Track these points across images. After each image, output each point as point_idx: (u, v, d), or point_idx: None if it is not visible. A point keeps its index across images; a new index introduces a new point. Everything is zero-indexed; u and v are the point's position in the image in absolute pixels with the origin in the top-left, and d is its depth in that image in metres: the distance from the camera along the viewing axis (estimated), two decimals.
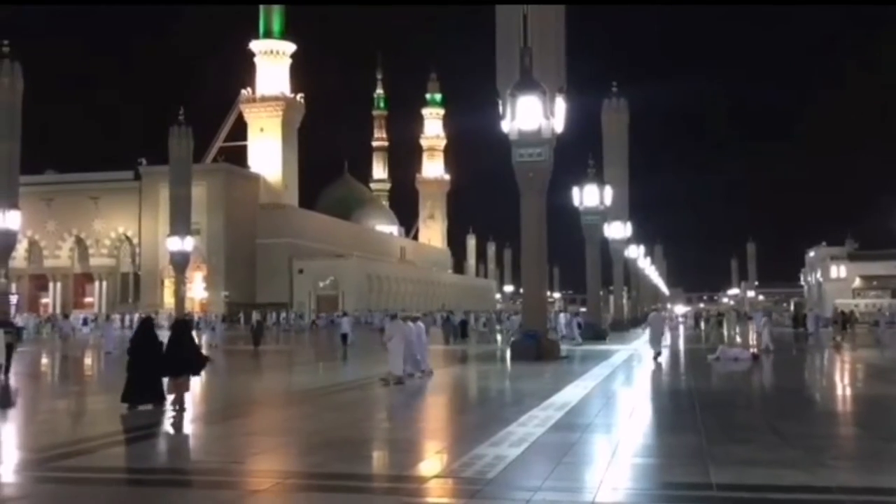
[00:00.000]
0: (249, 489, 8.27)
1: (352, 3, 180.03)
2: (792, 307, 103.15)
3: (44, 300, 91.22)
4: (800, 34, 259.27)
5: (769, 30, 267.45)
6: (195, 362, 14.47)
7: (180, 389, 13.82)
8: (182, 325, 15.31)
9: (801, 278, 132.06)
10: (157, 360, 13.99)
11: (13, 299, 63.98)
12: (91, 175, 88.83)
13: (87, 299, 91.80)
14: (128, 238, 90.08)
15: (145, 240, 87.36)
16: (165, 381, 14.08)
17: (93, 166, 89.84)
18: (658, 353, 26.08)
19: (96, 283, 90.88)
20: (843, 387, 19.91)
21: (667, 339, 41.89)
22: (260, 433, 12.27)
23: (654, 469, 9.16)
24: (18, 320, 54.48)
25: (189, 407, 13.87)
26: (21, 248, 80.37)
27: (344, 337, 33.57)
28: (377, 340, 25.89)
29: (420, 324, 20.64)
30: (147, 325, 15.16)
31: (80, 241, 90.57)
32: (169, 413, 13.38)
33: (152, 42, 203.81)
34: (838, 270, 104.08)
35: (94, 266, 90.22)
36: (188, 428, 12.71)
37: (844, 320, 50.08)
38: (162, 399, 13.91)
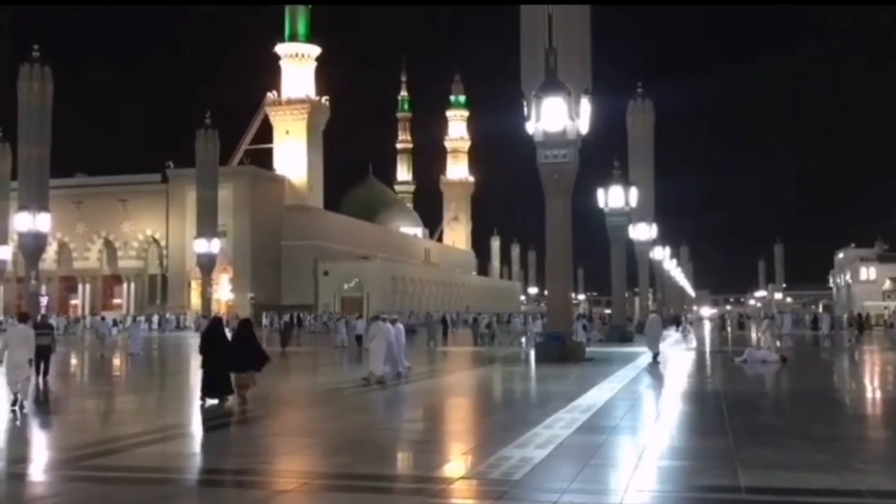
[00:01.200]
0: (277, 489, 8.33)
1: (376, 2, 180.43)
2: (821, 309, 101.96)
3: (73, 301, 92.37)
4: (831, 32, 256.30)
5: (799, 29, 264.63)
6: (258, 359, 15.25)
7: (245, 384, 14.79)
8: (246, 323, 16.17)
9: (830, 280, 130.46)
10: (226, 356, 14.95)
11: (43, 301, 64.84)
12: (120, 178, 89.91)
13: (116, 301, 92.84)
14: (155, 240, 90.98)
15: (173, 242, 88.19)
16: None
17: (121, 169, 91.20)
18: (656, 355, 26.22)
19: (124, 285, 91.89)
20: (871, 389, 19.66)
21: (692, 342, 41.70)
22: (287, 434, 12.35)
23: (682, 472, 9.11)
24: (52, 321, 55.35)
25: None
26: (51, 250, 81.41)
27: (359, 338, 33.82)
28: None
29: (399, 325, 21.24)
30: (216, 324, 16.39)
31: (108, 244, 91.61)
32: (233, 408, 14.16)
33: (179, 46, 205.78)
34: (868, 272, 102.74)
35: (122, 268, 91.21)
36: (225, 427, 12.83)
37: (860, 322, 49.36)
38: (230, 393, 14.78)
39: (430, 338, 37.22)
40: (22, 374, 14.47)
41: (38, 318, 24.54)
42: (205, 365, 15.16)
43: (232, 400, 14.67)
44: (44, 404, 15.95)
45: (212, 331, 15.97)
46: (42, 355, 19.06)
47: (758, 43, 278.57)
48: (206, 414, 13.90)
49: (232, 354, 14.93)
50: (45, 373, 19.57)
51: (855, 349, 33.87)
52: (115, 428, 13.32)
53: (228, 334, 16.09)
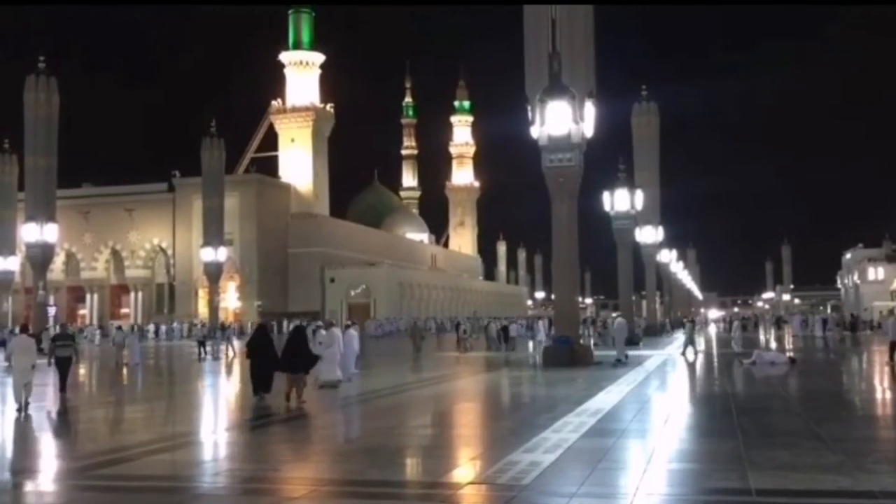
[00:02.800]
0: (285, 496, 8.31)
1: (379, 2, 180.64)
2: (829, 310, 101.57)
3: (81, 311, 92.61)
4: (838, 32, 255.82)
5: (806, 29, 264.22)
6: (308, 361, 16.62)
7: (299, 385, 15.94)
8: (298, 330, 17.59)
9: (838, 281, 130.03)
10: (272, 358, 16.55)
11: (51, 311, 64.98)
12: (126, 188, 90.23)
13: (123, 310, 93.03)
14: (162, 249, 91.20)
15: (179, 251, 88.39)
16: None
17: (128, 179, 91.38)
18: (619, 360, 26.86)
19: (132, 294, 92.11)
20: (882, 389, 19.55)
21: (700, 344, 41.55)
22: (296, 440, 12.33)
23: (692, 474, 9.06)
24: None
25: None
26: (58, 261, 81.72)
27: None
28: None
29: (351, 331, 22.28)
30: (262, 330, 17.90)
31: (115, 253, 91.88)
32: (294, 405, 15.49)
33: (184, 55, 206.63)
34: (876, 272, 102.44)
35: (129, 277, 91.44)
36: (224, 436, 12.83)
37: (853, 323, 49.14)
38: (269, 391, 16.40)
39: (415, 347, 36.31)
40: (25, 379, 15.79)
41: (58, 327, 23.53)
42: (253, 366, 16.75)
43: (291, 399, 15.88)
44: (62, 415, 15.89)
45: (258, 336, 17.51)
46: (62, 368, 18.23)
47: (764, 44, 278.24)
48: (257, 410, 15.47)
49: (286, 357, 16.31)
50: (63, 387, 18.20)
51: (846, 349, 33.77)
52: (124, 437, 13.33)
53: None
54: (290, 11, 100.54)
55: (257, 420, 14.54)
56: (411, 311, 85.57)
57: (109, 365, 31.48)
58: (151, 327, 70.90)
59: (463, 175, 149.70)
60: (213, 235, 71.68)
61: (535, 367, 27.09)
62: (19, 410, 15.35)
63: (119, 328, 53.66)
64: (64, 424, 14.95)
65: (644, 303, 68.77)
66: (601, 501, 7.72)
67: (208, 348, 37.67)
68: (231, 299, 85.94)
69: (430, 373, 25.45)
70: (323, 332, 20.56)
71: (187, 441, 12.28)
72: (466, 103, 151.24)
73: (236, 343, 39.32)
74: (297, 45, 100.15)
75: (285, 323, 63.52)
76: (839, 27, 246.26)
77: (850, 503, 7.65)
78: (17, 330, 37.96)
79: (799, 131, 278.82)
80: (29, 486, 9.16)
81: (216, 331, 46.15)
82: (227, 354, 36.89)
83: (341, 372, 19.73)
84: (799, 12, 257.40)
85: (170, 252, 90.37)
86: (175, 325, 72.45)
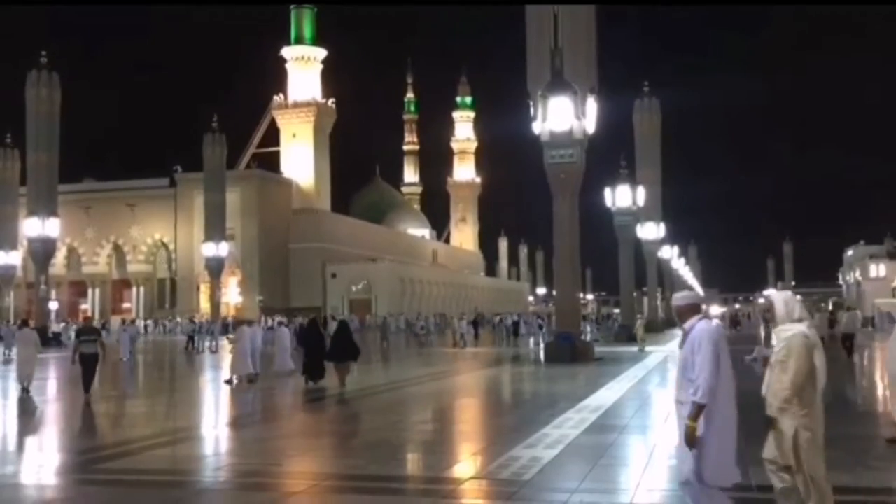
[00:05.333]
0: (286, 491, 8.32)
1: (381, 2, 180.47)
2: (830, 307, 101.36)
3: (83, 306, 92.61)
4: (839, 31, 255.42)
5: (807, 28, 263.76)
6: (354, 352, 18.57)
7: (343, 373, 18.03)
8: (343, 324, 19.70)
9: (840, 278, 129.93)
10: (323, 349, 18.73)
11: (53, 305, 65.03)
12: (128, 182, 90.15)
13: (125, 305, 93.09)
14: (164, 244, 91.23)
15: (181, 246, 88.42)
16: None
17: (129, 174, 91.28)
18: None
19: (134, 289, 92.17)
20: (882, 387, 19.53)
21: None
22: (297, 435, 12.35)
23: None
24: (57, 327, 55.38)
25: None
26: (60, 256, 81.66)
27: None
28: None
29: (255, 328, 23.41)
30: (315, 324, 20.46)
31: (117, 248, 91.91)
32: (337, 390, 17.47)
33: (186, 50, 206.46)
34: (877, 269, 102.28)
35: (131, 272, 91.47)
36: (226, 431, 12.83)
37: (831, 319, 48.89)
38: (322, 378, 18.45)
39: (382, 338, 40.22)
40: (28, 369, 17.79)
41: (82, 321, 21.88)
42: (306, 355, 18.88)
43: (335, 383, 17.94)
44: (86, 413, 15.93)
45: (310, 329, 20.10)
46: (88, 366, 16.86)
47: (766, 41, 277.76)
48: (309, 394, 17.43)
49: (333, 349, 18.41)
50: (87, 387, 16.75)
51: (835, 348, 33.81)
52: (127, 431, 13.36)
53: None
54: (291, 7, 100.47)
55: (310, 402, 16.51)
56: (413, 308, 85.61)
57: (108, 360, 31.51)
58: (141, 323, 70.34)
59: (464, 171, 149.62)
60: (215, 231, 71.69)
61: (536, 363, 27.12)
62: (24, 391, 17.29)
63: (132, 322, 53.80)
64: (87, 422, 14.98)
65: (645, 299, 68.78)
66: (602, 497, 7.73)
67: (197, 343, 39.03)
68: (232, 294, 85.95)
69: (429, 369, 25.47)
70: (333, 323, 22.19)
71: (189, 436, 12.31)
72: (468, 99, 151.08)
73: (221, 338, 40.00)
74: (299, 41, 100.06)
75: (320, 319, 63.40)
76: (844, 24, 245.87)
77: (852, 499, 7.65)
78: (17, 324, 38.32)
79: (801, 128, 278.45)
80: (31, 481, 9.17)
81: (202, 326, 46.43)
82: (210, 349, 37.79)
83: (254, 366, 20.60)
84: (801, 11, 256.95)
85: (171, 247, 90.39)
86: (179, 319, 72.35)
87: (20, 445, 12.10)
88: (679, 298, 5.82)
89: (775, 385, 5.78)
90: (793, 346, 5.72)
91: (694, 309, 5.72)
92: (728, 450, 5.35)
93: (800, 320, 5.83)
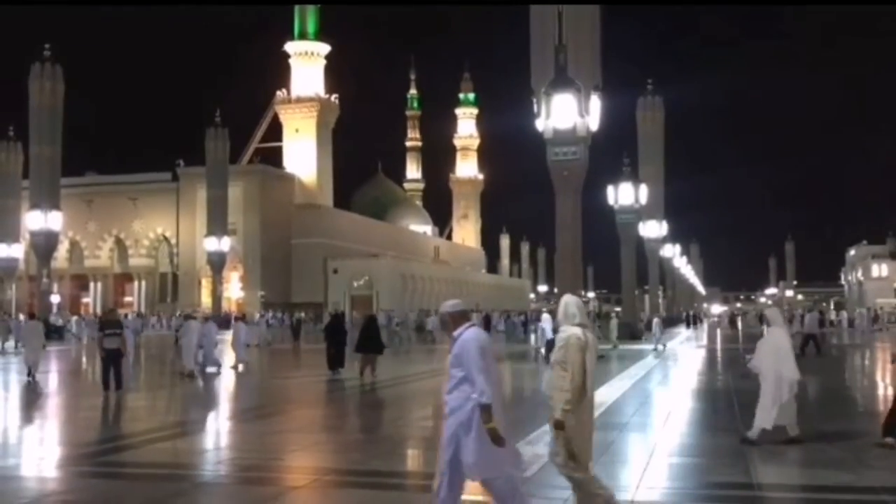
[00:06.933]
0: (288, 486, 8.34)
1: (386, 2, 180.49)
2: (832, 306, 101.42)
3: (84, 300, 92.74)
4: (842, 31, 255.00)
5: (810, 27, 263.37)
6: (379, 345, 19.95)
7: (371, 364, 19.13)
8: (371, 319, 21.03)
9: (842, 277, 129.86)
10: (344, 342, 20.34)
11: (55, 299, 65.06)
12: (130, 176, 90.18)
13: (127, 299, 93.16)
14: (166, 238, 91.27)
15: (183, 240, 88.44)
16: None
17: (132, 168, 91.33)
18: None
19: (135, 283, 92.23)
20: (884, 386, 19.53)
21: (703, 339, 41.59)
22: (299, 430, 12.36)
23: (694, 468, 9.07)
24: (58, 319, 55.34)
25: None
26: (62, 249, 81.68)
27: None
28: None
29: (210, 323, 24.02)
30: (339, 319, 22.28)
31: (119, 242, 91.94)
32: (367, 378, 18.64)
33: (189, 44, 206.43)
34: (880, 269, 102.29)
35: (133, 266, 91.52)
36: (228, 425, 12.84)
37: (821, 321, 48.86)
38: (342, 367, 19.88)
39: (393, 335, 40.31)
40: (34, 357, 19.59)
41: (105, 313, 21.46)
42: (329, 348, 20.09)
43: (365, 374, 19.02)
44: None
45: (336, 324, 21.44)
46: (113, 361, 15.89)
47: (770, 40, 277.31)
48: (332, 384, 18.41)
49: (361, 341, 19.57)
50: (119, 384, 15.91)
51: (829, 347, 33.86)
52: (128, 425, 13.38)
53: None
54: (295, 2, 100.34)
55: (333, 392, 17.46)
56: (414, 303, 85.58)
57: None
58: (130, 316, 70.04)
59: (467, 168, 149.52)
60: (217, 225, 71.68)
61: (538, 360, 27.13)
62: (29, 375, 19.00)
63: (140, 315, 53.59)
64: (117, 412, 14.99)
65: (647, 297, 68.78)
66: None
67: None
68: (234, 289, 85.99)
69: (432, 365, 25.47)
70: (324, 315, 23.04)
71: (190, 429, 12.32)
72: (471, 96, 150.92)
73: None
74: (303, 36, 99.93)
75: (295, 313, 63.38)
76: (847, 24, 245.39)
77: (852, 498, 7.65)
78: (21, 317, 38.46)
79: (804, 127, 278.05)
80: (32, 473, 9.19)
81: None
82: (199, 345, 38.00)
83: (207, 360, 21.36)
84: (803, 9, 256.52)
85: (173, 241, 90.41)
86: (178, 313, 72.25)
87: (22, 438, 12.11)
88: (448, 307, 5.96)
89: (559, 383, 6.06)
90: (568, 348, 6.03)
91: (464, 316, 5.88)
92: (489, 446, 5.56)
93: (581, 324, 6.13)
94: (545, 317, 34.39)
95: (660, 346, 31.15)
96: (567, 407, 6.01)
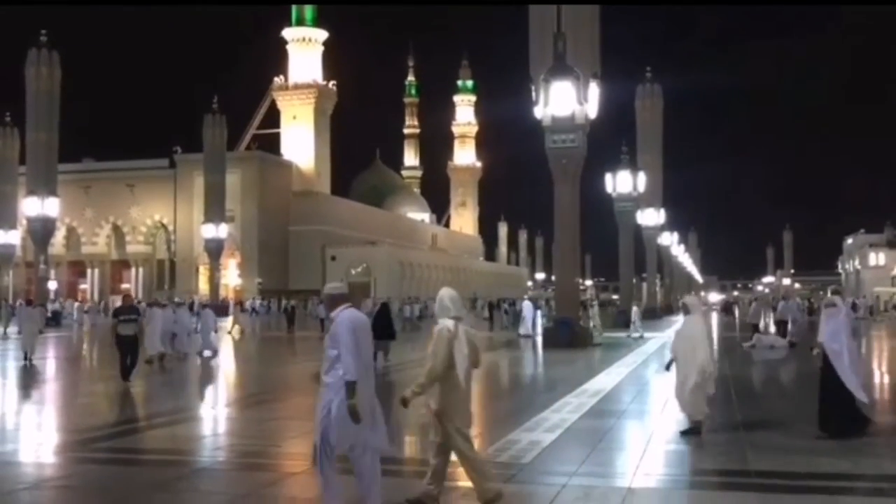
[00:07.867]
0: (287, 472, 8.37)
1: None
2: (829, 294, 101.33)
3: (82, 286, 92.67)
4: (843, 20, 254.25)
5: (810, 16, 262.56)
6: (392, 332, 20.30)
7: (384, 350, 19.30)
8: (384, 306, 21.18)
9: (839, 266, 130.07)
10: (393, 335, 20.20)
11: (52, 285, 65.05)
12: (127, 163, 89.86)
13: (124, 285, 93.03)
14: (163, 225, 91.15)
15: (180, 227, 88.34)
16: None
17: (129, 154, 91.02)
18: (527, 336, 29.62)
19: (133, 270, 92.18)
20: (880, 374, 19.59)
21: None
22: (298, 417, 12.38)
23: (691, 456, 9.10)
24: (56, 305, 55.34)
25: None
26: (59, 235, 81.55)
27: (322, 322, 34.02)
28: None
29: (180, 311, 24.15)
30: (386, 308, 21.31)
31: (116, 228, 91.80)
32: (380, 363, 18.03)
33: (187, 31, 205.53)
34: (877, 258, 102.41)
35: (130, 253, 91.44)
36: (226, 412, 12.86)
37: (809, 309, 48.90)
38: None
39: (288, 326, 40.02)
40: (32, 340, 20.88)
41: (121, 300, 19.05)
42: (377, 337, 20.02)
43: (378, 359, 18.16)
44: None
45: (382, 313, 20.74)
46: (127, 349, 15.40)
47: (768, 29, 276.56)
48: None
49: (376, 328, 19.73)
50: (127, 374, 15.55)
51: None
52: (128, 410, 13.39)
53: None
54: None
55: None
56: (412, 291, 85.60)
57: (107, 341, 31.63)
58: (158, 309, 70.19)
59: (465, 155, 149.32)
60: (215, 212, 71.60)
61: (535, 348, 27.19)
62: (26, 359, 20.03)
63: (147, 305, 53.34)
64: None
65: (644, 285, 68.86)
66: (600, 481, 7.77)
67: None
68: (232, 276, 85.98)
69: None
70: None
71: (189, 416, 12.34)
72: (469, 83, 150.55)
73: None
74: (300, 22, 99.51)
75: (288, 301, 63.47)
76: (850, 14, 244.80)
77: (849, 486, 7.69)
78: (19, 303, 38.49)
79: (802, 116, 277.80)
80: (30, 459, 9.21)
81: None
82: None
83: (169, 347, 21.48)
84: (804, 1, 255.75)
85: (171, 228, 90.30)
86: (176, 300, 72.23)
87: (19, 424, 12.13)
88: (330, 288, 6.29)
89: (424, 370, 6.48)
90: (438, 339, 6.41)
91: (343, 298, 6.16)
92: (349, 421, 5.84)
93: (455, 317, 6.46)
94: (526, 304, 35.62)
95: (635, 335, 30.95)
96: (417, 389, 6.40)
